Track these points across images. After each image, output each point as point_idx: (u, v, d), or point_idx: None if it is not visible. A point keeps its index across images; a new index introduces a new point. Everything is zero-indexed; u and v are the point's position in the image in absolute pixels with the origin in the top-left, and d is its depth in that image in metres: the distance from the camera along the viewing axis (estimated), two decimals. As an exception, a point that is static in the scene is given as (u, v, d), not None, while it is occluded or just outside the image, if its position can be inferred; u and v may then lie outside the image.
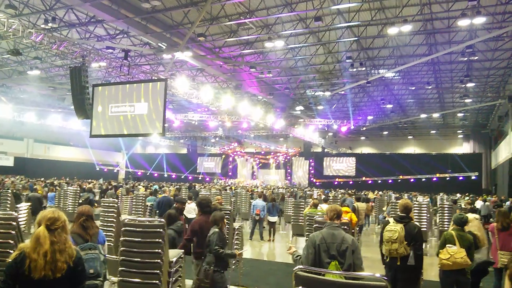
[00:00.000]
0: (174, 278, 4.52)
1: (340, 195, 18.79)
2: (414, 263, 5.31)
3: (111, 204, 7.43)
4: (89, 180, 30.15)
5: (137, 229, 4.39)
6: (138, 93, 15.37)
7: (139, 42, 21.24)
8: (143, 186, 23.52)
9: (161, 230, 4.31)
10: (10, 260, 2.79)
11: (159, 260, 4.21)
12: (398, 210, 5.73)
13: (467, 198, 21.04)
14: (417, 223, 5.88)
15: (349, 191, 24.99)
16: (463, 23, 15.76)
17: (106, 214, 7.28)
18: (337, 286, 2.41)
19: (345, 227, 5.29)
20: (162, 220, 4.50)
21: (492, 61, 21.95)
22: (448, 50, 19.04)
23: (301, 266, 2.55)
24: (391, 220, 5.60)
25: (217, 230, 5.14)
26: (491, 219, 14.79)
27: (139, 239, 4.33)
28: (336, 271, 3.37)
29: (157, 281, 4.17)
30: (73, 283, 2.87)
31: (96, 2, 15.39)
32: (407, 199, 8.27)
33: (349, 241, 3.81)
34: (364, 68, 22.18)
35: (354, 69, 21.82)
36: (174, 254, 4.63)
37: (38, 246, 2.73)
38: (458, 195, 25.81)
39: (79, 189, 14.34)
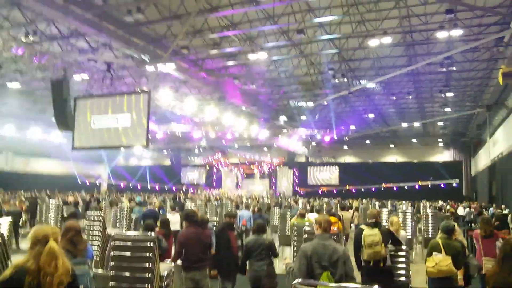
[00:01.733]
0: (165, 292, 4.50)
1: (325, 204, 18.87)
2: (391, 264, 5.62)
3: (96, 218, 7.34)
4: (70, 193, 29.59)
5: (128, 244, 4.36)
6: (121, 105, 15.26)
7: (122, 54, 21.12)
8: (126, 199, 23.23)
9: (152, 244, 4.29)
10: (4, 278, 2.70)
11: (149, 274, 4.18)
12: (368, 218, 6.02)
13: (449, 206, 21.42)
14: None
15: (336, 200, 25.15)
16: (441, 35, 16.21)
17: (92, 227, 7.19)
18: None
19: (335, 237, 5.37)
20: (153, 234, 4.48)
21: (470, 71, 22.54)
22: (427, 61, 19.46)
23: (299, 280, 2.58)
24: (363, 227, 5.82)
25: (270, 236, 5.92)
26: (473, 226, 15.09)
27: (130, 254, 4.30)
28: (332, 283, 3.41)
29: (148, 296, 4.15)
30: None
31: (77, 16, 15.27)
32: (375, 209, 8.50)
33: (340, 251, 3.88)
34: (345, 79, 22.46)
35: (336, 80, 22.10)
36: (165, 268, 4.61)
37: (53, 260, 2.73)
38: (441, 202, 26.20)
39: (61, 203, 14.08)
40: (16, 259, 2.95)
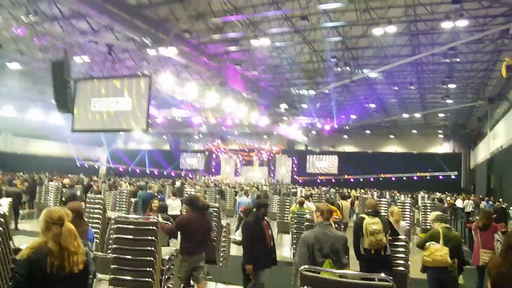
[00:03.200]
0: (167, 276, 4.49)
1: (324, 193, 18.87)
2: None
3: (96, 201, 7.33)
4: (69, 175, 29.61)
5: (130, 227, 4.35)
6: (122, 89, 15.13)
7: (123, 37, 20.91)
8: (125, 182, 23.24)
9: (154, 227, 4.27)
10: (23, 258, 2.68)
11: (151, 258, 4.17)
12: (367, 208, 5.99)
13: (449, 198, 21.51)
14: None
15: (334, 189, 25.16)
16: (446, 25, 16.01)
17: (92, 210, 7.18)
18: (344, 286, 2.42)
19: (336, 225, 5.36)
20: (155, 217, 4.46)
21: (473, 63, 22.40)
22: (431, 51, 19.33)
23: (305, 266, 2.55)
24: (364, 216, 5.82)
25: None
26: (470, 218, 15.16)
27: (131, 237, 4.29)
28: (336, 270, 3.39)
29: (149, 279, 4.14)
30: (85, 276, 2.93)
31: (79, -5, 15.06)
32: (373, 199, 8.50)
33: (342, 239, 3.86)
34: (348, 68, 22.33)
35: (339, 69, 21.95)
36: (167, 251, 4.60)
37: (75, 240, 2.76)
38: (438, 194, 26.27)
39: (61, 184, 14.07)
40: (17, 240, 2.94)
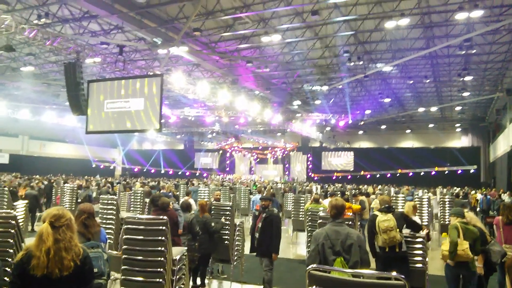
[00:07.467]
0: (178, 276, 4.42)
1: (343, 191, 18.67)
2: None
3: (110, 201, 7.31)
4: (86, 177, 29.94)
5: (140, 227, 4.28)
6: (134, 89, 15.24)
7: (134, 37, 21.02)
8: (140, 183, 23.37)
9: (164, 227, 4.20)
10: (17, 260, 2.74)
11: (162, 258, 4.10)
12: (380, 204, 5.93)
13: (473, 192, 20.94)
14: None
15: (349, 186, 24.84)
16: (460, 16, 15.64)
17: (105, 211, 7.17)
18: (353, 286, 2.29)
19: (350, 222, 5.22)
20: (165, 217, 4.38)
21: (490, 54, 21.87)
22: (445, 43, 18.93)
23: (314, 265, 2.43)
24: (377, 213, 5.70)
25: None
26: (491, 213, 14.82)
27: (142, 237, 4.22)
28: (346, 269, 3.27)
29: (160, 280, 4.07)
30: (81, 282, 2.81)
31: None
32: (387, 196, 8.36)
33: (354, 236, 3.73)
34: (361, 62, 22.04)
35: (352, 63, 21.70)
36: (177, 252, 4.52)
37: (41, 243, 2.67)
38: (456, 188, 25.78)
39: (76, 186, 14.15)
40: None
